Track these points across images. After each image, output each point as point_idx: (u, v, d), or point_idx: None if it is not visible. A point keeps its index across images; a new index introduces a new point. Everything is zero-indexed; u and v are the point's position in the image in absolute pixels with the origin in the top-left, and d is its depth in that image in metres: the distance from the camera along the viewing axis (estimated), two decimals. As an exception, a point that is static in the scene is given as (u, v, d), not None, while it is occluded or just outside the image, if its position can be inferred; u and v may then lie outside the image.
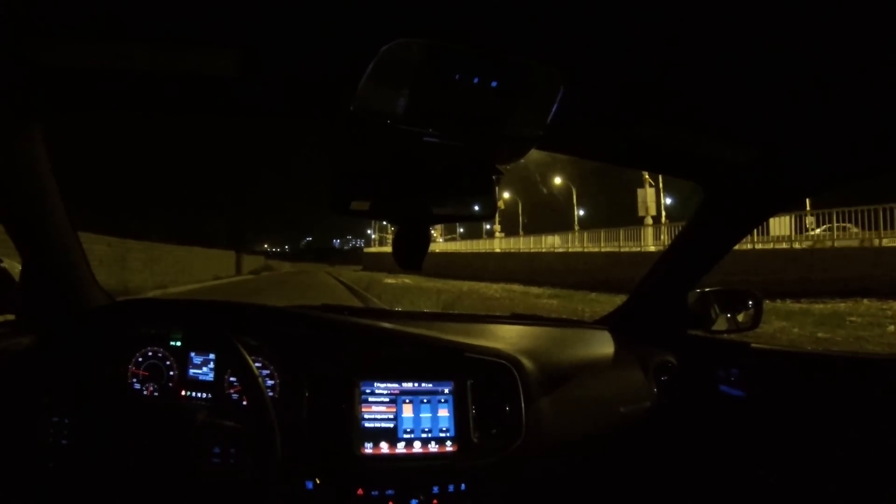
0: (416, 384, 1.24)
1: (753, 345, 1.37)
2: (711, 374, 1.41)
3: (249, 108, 0.98)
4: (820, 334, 6.82)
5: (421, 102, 0.67)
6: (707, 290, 1.49)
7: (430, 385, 1.25)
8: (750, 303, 1.49)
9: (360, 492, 1.13)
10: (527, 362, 1.28)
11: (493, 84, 0.65)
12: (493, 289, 18.18)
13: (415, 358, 1.27)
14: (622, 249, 19.35)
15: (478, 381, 1.26)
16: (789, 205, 1.39)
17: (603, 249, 20.63)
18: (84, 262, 1.25)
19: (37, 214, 1.09)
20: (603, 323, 1.68)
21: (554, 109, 0.68)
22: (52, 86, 0.87)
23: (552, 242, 26.39)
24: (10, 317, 1.17)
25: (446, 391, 1.25)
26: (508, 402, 1.24)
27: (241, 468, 1.05)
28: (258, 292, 16.28)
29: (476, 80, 0.64)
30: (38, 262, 1.14)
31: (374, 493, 1.14)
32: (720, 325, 1.47)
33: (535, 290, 17.69)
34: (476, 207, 0.85)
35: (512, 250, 29.56)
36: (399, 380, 1.24)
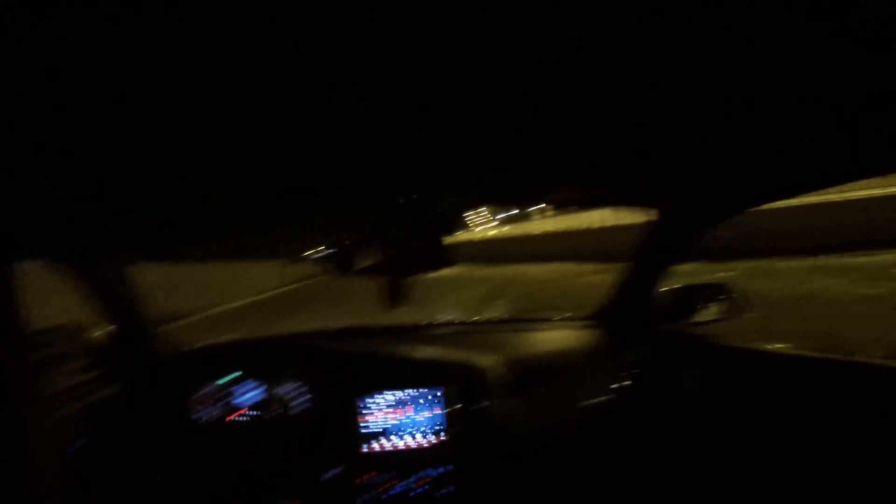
0: (414, 391, 1.57)
1: (715, 341, 1.42)
2: (675, 369, 1.49)
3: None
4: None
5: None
6: (676, 286, 1.57)
7: (426, 391, 1.56)
8: (721, 296, 1.54)
9: (365, 478, 1.49)
10: (500, 369, 1.59)
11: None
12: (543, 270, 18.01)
13: (411, 372, 1.60)
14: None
15: (461, 385, 1.56)
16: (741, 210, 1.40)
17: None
18: (149, 329, 1.68)
19: (117, 300, 1.56)
20: (591, 317, 1.84)
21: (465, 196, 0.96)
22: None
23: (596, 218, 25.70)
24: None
25: (438, 395, 1.56)
26: (486, 400, 1.52)
27: (273, 466, 1.47)
28: (311, 300, 16.80)
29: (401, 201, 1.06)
30: (120, 331, 1.59)
31: (377, 480, 1.49)
32: (692, 319, 1.53)
33: (578, 268, 17.43)
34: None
35: (556, 231, 28.91)
36: (400, 388, 1.57)
